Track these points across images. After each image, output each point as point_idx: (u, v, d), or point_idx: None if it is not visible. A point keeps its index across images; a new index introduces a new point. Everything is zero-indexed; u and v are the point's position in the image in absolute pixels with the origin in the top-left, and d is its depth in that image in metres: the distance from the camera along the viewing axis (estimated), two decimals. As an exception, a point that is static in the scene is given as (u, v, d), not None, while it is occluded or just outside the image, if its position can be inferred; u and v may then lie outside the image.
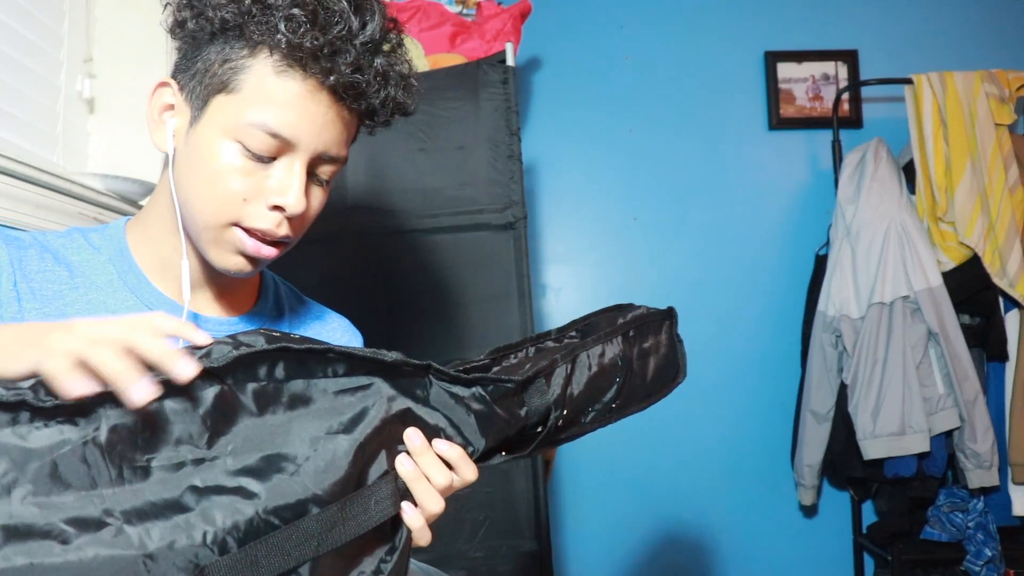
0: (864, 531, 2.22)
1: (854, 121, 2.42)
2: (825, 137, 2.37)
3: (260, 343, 0.54)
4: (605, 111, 2.43)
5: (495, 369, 0.68)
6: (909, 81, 2.10)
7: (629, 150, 2.42)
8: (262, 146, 0.69)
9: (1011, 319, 2.02)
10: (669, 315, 0.83)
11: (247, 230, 0.72)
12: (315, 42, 0.66)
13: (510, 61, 1.60)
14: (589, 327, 0.77)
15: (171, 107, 0.74)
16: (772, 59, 2.44)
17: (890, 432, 1.92)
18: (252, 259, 0.74)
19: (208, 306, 0.81)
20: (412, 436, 0.62)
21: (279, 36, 0.66)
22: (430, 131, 1.59)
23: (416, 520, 0.61)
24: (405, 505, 0.61)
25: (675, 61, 2.45)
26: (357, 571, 0.58)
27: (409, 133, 1.58)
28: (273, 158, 0.70)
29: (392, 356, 0.60)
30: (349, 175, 1.57)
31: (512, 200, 1.56)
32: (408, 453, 0.61)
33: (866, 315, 2.01)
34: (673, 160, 2.42)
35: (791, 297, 2.35)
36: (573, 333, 0.77)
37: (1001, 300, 2.02)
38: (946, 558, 1.98)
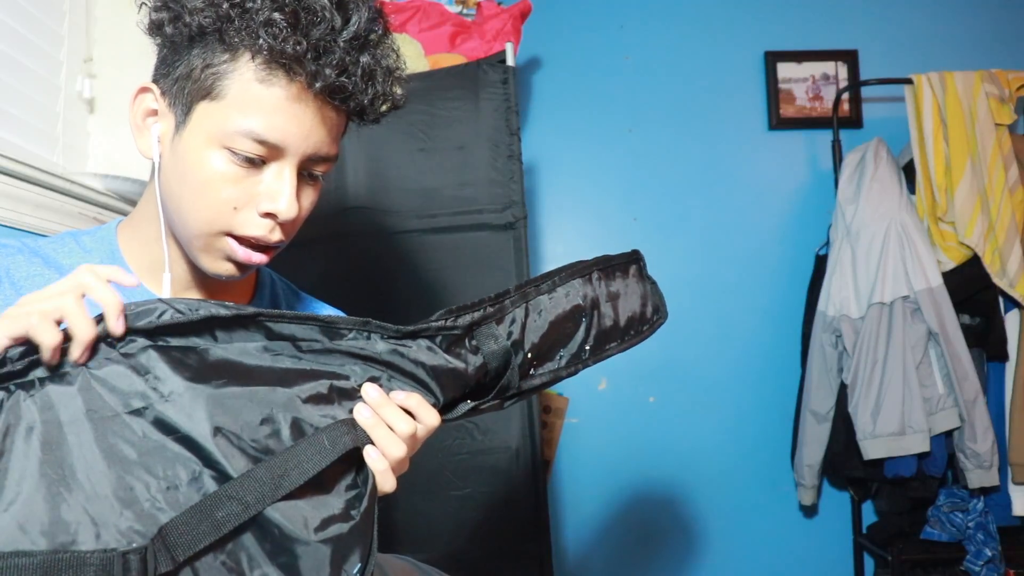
0: (864, 531, 2.22)
1: (854, 121, 2.42)
2: (825, 137, 2.37)
3: (201, 311, 0.56)
4: (605, 111, 2.43)
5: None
6: (909, 81, 2.10)
7: (629, 150, 2.42)
8: (250, 153, 0.68)
9: (1011, 319, 2.02)
10: (635, 257, 0.83)
11: (238, 238, 0.71)
12: (297, 47, 0.64)
13: (510, 61, 1.60)
14: (550, 275, 0.77)
15: (154, 112, 0.72)
16: (772, 59, 2.44)
17: (890, 432, 1.92)
18: (242, 265, 0.73)
19: None
20: (368, 389, 0.63)
21: (260, 41, 0.64)
22: (430, 131, 1.59)
23: (379, 462, 0.62)
24: (368, 448, 0.62)
25: (675, 61, 2.45)
26: (325, 514, 0.58)
27: (409, 133, 1.58)
28: (263, 163, 0.69)
29: (328, 316, 0.62)
30: (349, 175, 1.57)
31: (512, 200, 1.56)
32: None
33: (866, 315, 2.01)
34: (673, 160, 2.42)
35: (791, 297, 2.35)
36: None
37: (1001, 300, 2.02)
38: (946, 558, 1.98)
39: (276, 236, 0.72)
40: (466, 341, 0.68)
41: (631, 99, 2.43)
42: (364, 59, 0.69)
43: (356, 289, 1.53)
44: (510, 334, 0.71)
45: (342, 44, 0.67)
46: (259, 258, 0.73)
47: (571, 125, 2.42)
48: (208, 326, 0.57)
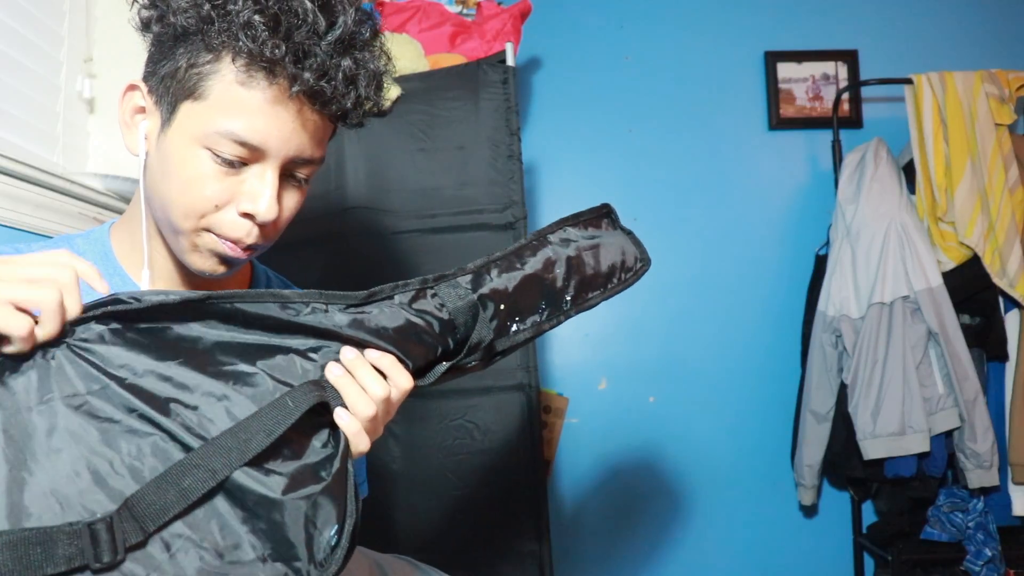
0: (864, 531, 2.22)
1: (854, 121, 2.42)
2: (825, 137, 2.37)
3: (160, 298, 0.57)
4: (605, 111, 2.43)
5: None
6: (909, 81, 2.10)
7: (629, 150, 2.42)
8: (232, 154, 0.68)
9: (1011, 319, 2.02)
10: (606, 211, 0.83)
11: (218, 236, 0.71)
12: (276, 50, 0.64)
13: (510, 61, 1.60)
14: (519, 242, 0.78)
15: (142, 110, 0.73)
16: (772, 59, 2.44)
17: (890, 432, 1.92)
18: (226, 261, 0.73)
19: None
20: (345, 351, 0.63)
21: (240, 44, 0.64)
22: (430, 131, 1.59)
23: (351, 423, 0.62)
24: (338, 410, 0.62)
25: (675, 61, 2.45)
26: (295, 476, 0.58)
27: (409, 133, 1.58)
28: (244, 164, 0.69)
29: (282, 291, 0.62)
30: (349, 175, 1.57)
31: (512, 200, 1.56)
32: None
33: (866, 315, 2.01)
34: (673, 160, 2.42)
35: (791, 297, 2.35)
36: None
37: (1001, 300, 2.01)
38: (946, 558, 1.98)
39: (252, 239, 0.71)
40: (429, 298, 0.68)
41: (631, 99, 2.43)
42: (346, 63, 0.68)
43: (356, 289, 1.53)
44: (477, 288, 0.70)
45: (324, 47, 0.66)
46: (244, 254, 0.73)
47: (571, 125, 2.42)
48: (162, 314, 0.57)
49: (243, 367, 0.60)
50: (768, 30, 2.46)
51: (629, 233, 0.84)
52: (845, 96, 2.39)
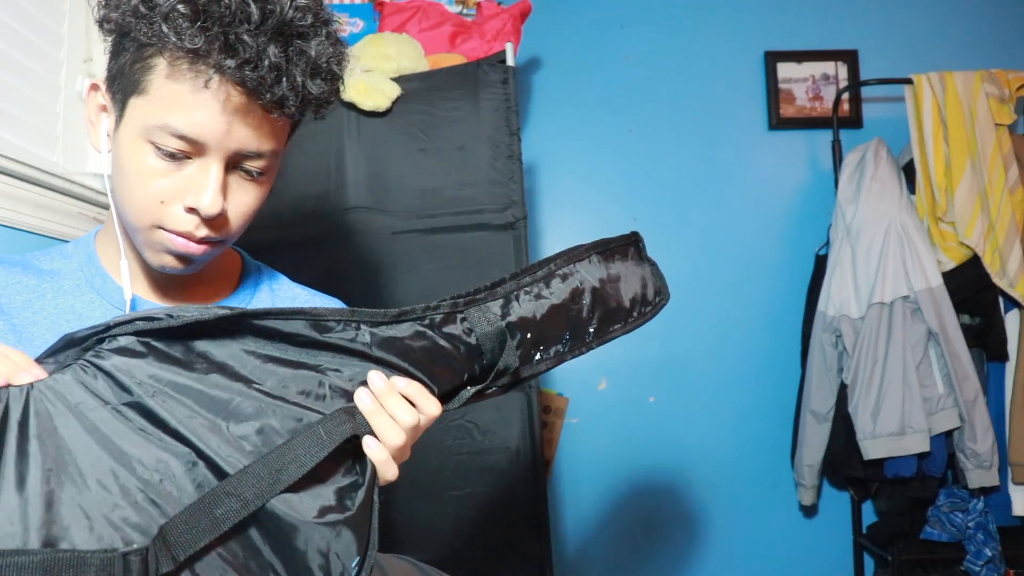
0: (864, 531, 2.22)
1: (854, 121, 2.42)
2: (825, 137, 2.37)
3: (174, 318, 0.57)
4: (605, 111, 2.43)
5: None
6: (909, 81, 2.10)
7: (629, 150, 2.42)
8: (173, 147, 0.67)
9: (1011, 319, 2.02)
10: (634, 239, 0.82)
11: (170, 232, 0.71)
12: (197, 40, 0.62)
13: (510, 61, 1.60)
14: (547, 261, 0.76)
15: (105, 108, 0.74)
16: (772, 59, 2.44)
17: (890, 432, 1.92)
18: (182, 257, 0.72)
19: (181, 300, 0.82)
20: (375, 378, 0.63)
21: (166, 36, 0.63)
22: (430, 131, 1.59)
23: (379, 452, 0.62)
24: (367, 439, 0.61)
25: (675, 61, 2.45)
26: (321, 504, 0.58)
27: (409, 133, 1.58)
28: (188, 156, 0.68)
29: (314, 309, 0.61)
30: (349, 175, 1.57)
31: (512, 200, 1.56)
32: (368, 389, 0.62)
33: (866, 315, 2.01)
34: (673, 160, 2.42)
35: (791, 297, 2.35)
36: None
37: (1001, 300, 2.02)
38: (946, 558, 1.98)
39: (202, 232, 0.71)
40: (458, 322, 0.67)
41: (631, 99, 2.43)
42: (273, 50, 0.65)
43: (356, 289, 1.53)
44: (505, 315, 0.70)
45: (251, 35, 0.64)
46: (196, 249, 0.72)
47: (571, 125, 2.42)
48: (194, 331, 0.57)
49: (270, 385, 0.59)
50: (768, 30, 2.46)
51: (653, 264, 0.83)
52: (845, 96, 2.39)
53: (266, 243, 1.62)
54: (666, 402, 2.34)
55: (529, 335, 0.71)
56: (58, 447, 0.52)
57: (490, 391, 0.71)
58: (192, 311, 0.57)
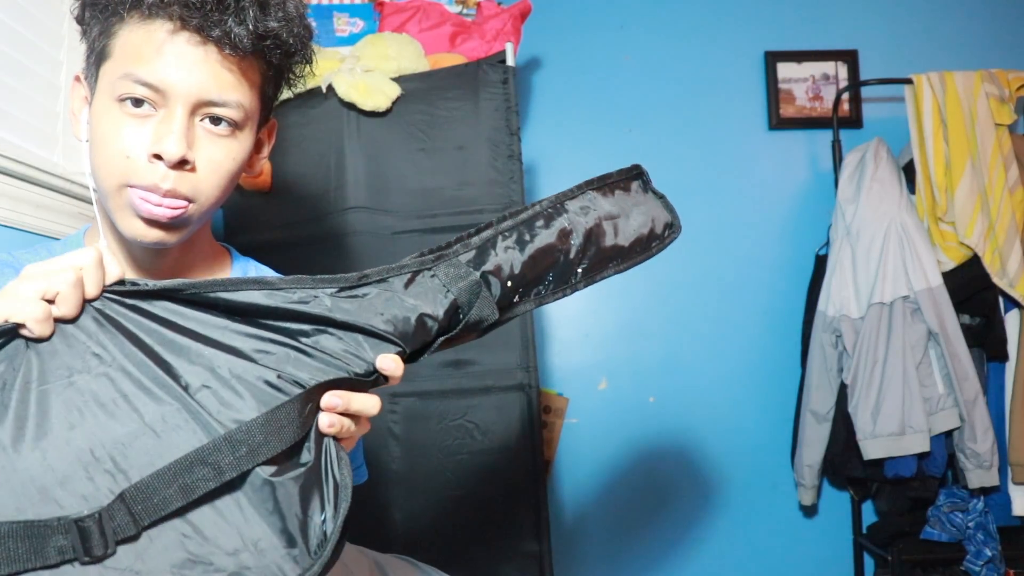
0: (864, 531, 2.22)
1: (854, 121, 2.42)
2: (825, 137, 2.37)
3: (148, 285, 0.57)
4: (605, 111, 2.43)
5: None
6: (909, 81, 2.10)
7: (629, 150, 2.42)
8: (135, 94, 0.70)
9: (1011, 319, 2.02)
10: (637, 172, 0.77)
11: (138, 189, 0.71)
12: None
13: (510, 61, 1.60)
14: (536, 204, 0.73)
15: (87, 99, 0.77)
16: (772, 59, 2.44)
17: (890, 432, 1.92)
18: (150, 222, 0.72)
19: None
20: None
21: None
22: (430, 131, 1.59)
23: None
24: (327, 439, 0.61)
25: (675, 61, 2.45)
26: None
27: (409, 133, 1.58)
28: (154, 106, 0.71)
29: (268, 278, 0.61)
30: (349, 175, 1.57)
31: (512, 200, 1.56)
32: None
33: (866, 315, 2.01)
34: (673, 160, 2.41)
35: (791, 297, 2.35)
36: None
37: (1001, 300, 2.02)
38: (946, 558, 1.98)
39: (168, 184, 0.70)
40: (428, 279, 0.65)
41: (631, 99, 2.43)
42: None
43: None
44: (480, 264, 0.66)
45: None
46: (161, 212, 0.71)
47: (571, 125, 2.42)
48: (164, 294, 0.58)
49: (240, 353, 0.59)
50: (768, 30, 2.46)
51: (661, 197, 0.77)
52: (845, 96, 2.39)
53: (266, 243, 1.63)
54: (666, 402, 2.34)
55: (509, 284, 0.67)
56: (44, 410, 0.53)
57: (459, 338, 0.67)
58: (160, 283, 0.58)
